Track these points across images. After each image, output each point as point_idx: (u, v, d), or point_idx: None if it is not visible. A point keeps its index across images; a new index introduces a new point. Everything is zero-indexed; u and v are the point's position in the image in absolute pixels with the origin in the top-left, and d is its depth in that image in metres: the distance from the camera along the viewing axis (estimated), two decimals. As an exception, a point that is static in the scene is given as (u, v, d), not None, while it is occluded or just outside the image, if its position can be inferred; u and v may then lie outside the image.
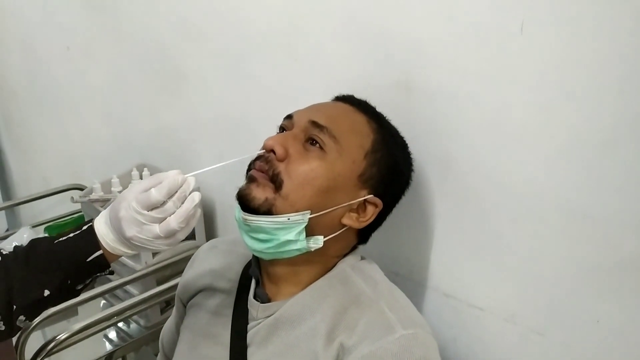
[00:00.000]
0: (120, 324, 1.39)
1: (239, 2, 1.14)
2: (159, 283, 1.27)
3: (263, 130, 0.83)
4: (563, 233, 0.77)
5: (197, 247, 1.13)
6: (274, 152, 0.75)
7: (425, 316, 0.83)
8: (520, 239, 0.81)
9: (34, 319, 0.73)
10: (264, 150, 0.76)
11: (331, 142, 0.75)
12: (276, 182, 0.74)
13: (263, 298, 0.81)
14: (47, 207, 1.95)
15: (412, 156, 0.85)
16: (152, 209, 0.69)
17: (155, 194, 0.69)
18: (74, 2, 1.66)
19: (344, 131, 0.77)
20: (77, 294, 0.76)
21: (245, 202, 0.75)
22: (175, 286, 1.14)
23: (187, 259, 1.03)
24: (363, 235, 0.84)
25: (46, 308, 0.74)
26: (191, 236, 1.34)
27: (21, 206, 2.15)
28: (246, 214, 0.76)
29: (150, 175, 1.39)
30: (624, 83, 0.67)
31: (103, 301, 1.43)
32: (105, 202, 1.32)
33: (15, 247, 0.73)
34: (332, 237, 0.77)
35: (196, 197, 0.71)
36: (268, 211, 0.74)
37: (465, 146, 0.84)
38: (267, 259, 0.80)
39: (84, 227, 0.73)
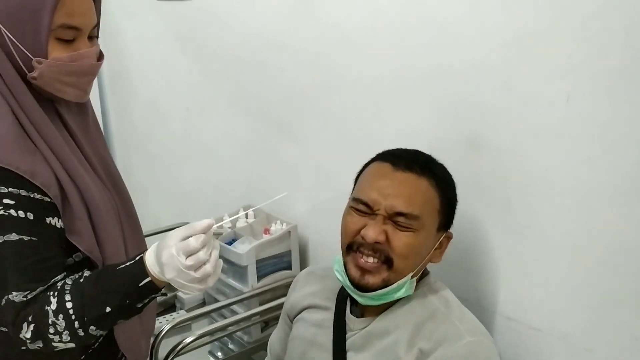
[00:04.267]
0: (225, 339, 1.59)
1: (335, 74, 1.38)
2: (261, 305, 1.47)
3: (348, 181, 1.04)
4: (606, 265, 0.92)
5: (293, 276, 1.35)
6: (378, 242, 0.92)
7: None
8: (573, 270, 0.97)
9: (105, 329, 0.88)
10: (363, 239, 0.92)
11: (414, 222, 0.92)
12: (388, 263, 0.93)
13: (357, 313, 1.01)
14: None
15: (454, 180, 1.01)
16: (189, 256, 0.80)
17: (194, 243, 0.80)
18: (195, 68, 1.93)
19: (418, 205, 0.93)
20: (140, 311, 0.88)
21: (365, 290, 0.94)
22: (275, 307, 1.37)
23: (285, 286, 1.24)
24: None
25: (112, 321, 0.87)
26: (287, 266, 1.56)
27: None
28: (364, 293, 0.94)
29: (255, 216, 1.64)
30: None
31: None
32: (217, 235, 1.57)
33: (92, 272, 0.90)
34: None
35: (217, 244, 0.85)
36: (385, 286, 0.93)
37: (525, 194, 1.02)
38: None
39: (136, 258, 0.86)
